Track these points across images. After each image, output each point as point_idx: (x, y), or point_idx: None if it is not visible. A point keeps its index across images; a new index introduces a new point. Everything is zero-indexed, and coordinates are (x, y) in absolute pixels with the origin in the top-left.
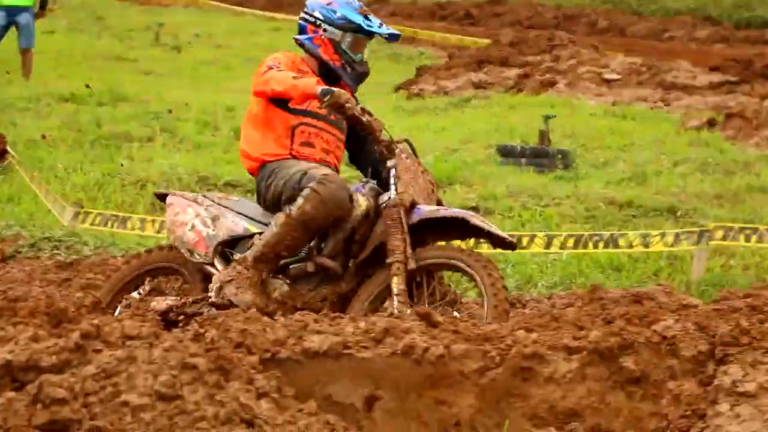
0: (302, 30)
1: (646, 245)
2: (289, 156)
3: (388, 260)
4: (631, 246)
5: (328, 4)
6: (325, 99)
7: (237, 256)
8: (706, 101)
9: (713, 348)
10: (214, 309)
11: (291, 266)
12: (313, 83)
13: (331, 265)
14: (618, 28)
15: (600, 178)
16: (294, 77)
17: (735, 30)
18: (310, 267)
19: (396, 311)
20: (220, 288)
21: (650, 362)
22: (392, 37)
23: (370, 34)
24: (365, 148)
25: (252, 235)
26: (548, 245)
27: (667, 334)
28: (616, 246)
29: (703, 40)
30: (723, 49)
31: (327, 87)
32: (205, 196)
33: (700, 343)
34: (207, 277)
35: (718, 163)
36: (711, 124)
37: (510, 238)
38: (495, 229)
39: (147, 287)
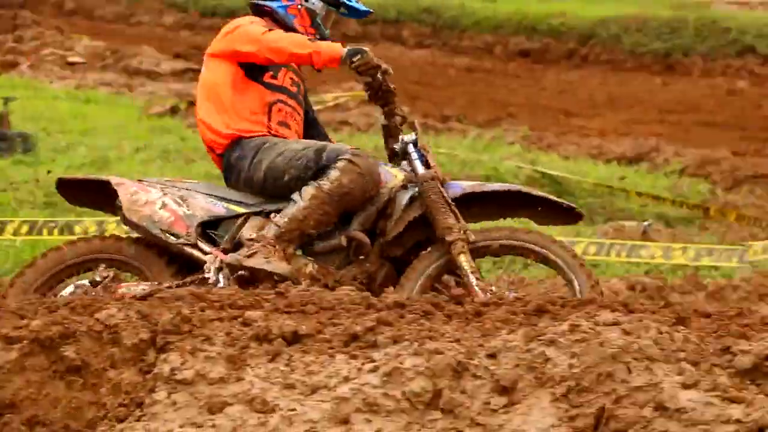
0: None
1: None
2: (267, 134)
3: (448, 238)
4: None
5: None
6: (355, 59)
7: (248, 234)
8: (170, 88)
9: (155, 336)
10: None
11: (316, 243)
12: (337, 45)
13: (366, 240)
14: (85, 10)
15: (62, 163)
16: (310, 39)
17: (201, 18)
18: (343, 241)
19: (478, 291)
20: (220, 268)
21: (91, 351)
22: (364, 14)
23: (342, 8)
24: (309, 134)
25: (238, 216)
26: (1, 231)
27: (110, 323)
28: (72, 232)
29: (168, 27)
30: (188, 36)
31: (354, 47)
32: (142, 180)
33: (141, 331)
34: (176, 264)
35: (179, 151)
36: (173, 111)
37: (578, 208)
38: (558, 199)
39: (106, 274)
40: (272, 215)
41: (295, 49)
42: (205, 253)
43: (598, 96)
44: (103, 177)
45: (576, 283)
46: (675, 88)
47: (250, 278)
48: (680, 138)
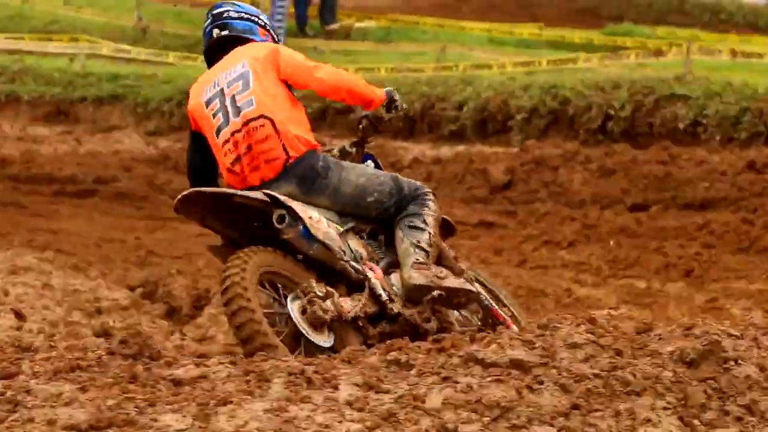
0: (251, 31)
1: None
2: None
3: (461, 266)
4: None
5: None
6: (396, 97)
7: (366, 253)
8: None
9: None
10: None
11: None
12: (379, 88)
13: None
14: None
15: None
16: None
17: None
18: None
19: (504, 315)
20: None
21: None
22: None
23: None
24: None
25: (342, 233)
26: None
27: None
28: None
29: None
30: None
31: (387, 88)
32: None
33: None
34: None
35: None
36: None
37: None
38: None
39: (324, 289)
40: (377, 236)
41: (365, 91)
42: (358, 271)
43: None
44: (254, 193)
45: (521, 320)
46: None
47: (446, 300)
48: None
